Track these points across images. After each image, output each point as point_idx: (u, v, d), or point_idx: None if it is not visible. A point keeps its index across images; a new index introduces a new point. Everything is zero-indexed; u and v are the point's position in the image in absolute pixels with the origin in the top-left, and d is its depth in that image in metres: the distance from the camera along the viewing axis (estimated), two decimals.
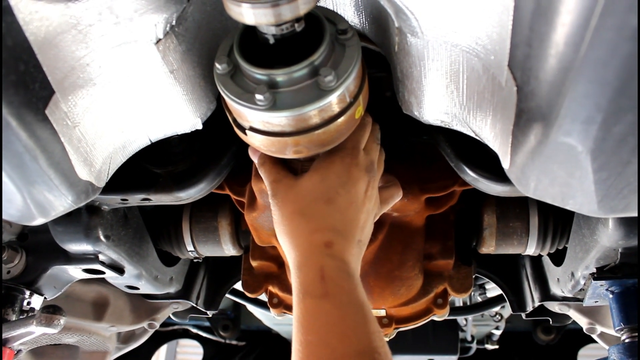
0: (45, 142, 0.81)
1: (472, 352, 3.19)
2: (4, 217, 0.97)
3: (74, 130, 0.87)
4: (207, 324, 3.25)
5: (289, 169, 1.04)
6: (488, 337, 3.24)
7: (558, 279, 1.49)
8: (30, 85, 0.74)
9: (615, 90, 0.58)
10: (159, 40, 0.84)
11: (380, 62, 1.09)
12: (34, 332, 1.25)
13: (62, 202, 0.94)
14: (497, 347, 3.24)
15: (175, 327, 3.10)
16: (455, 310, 2.19)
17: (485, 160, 1.08)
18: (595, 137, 0.65)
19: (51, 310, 1.24)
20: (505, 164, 0.86)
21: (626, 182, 0.72)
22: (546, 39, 0.57)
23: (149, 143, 1.05)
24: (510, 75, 0.69)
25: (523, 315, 1.76)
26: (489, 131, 0.88)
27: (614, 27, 0.51)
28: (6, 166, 0.81)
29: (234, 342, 3.43)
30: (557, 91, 0.61)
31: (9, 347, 1.27)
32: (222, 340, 3.34)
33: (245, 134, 0.89)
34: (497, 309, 2.52)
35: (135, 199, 1.21)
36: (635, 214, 0.81)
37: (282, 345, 3.63)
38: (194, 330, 3.21)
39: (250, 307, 2.44)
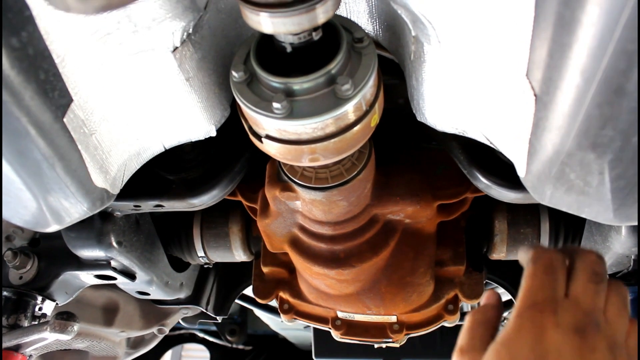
0: (62, 149, 0.81)
1: None
2: (18, 222, 0.98)
3: (91, 138, 0.87)
4: (214, 328, 3.25)
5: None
6: None
7: None
8: (50, 93, 0.75)
9: (635, 101, 0.58)
10: (175, 49, 0.85)
11: (393, 69, 1.09)
12: (47, 339, 1.26)
13: (77, 209, 0.94)
14: None
15: (182, 331, 3.11)
16: (464, 316, 2.19)
17: (497, 167, 1.08)
18: (614, 147, 0.65)
19: (65, 316, 1.24)
20: (521, 172, 0.86)
21: None
22: (567, 50, 0.57)
23: (163, 150, 1.06)
24: (528, 84, 0.70)
25: None
26: (505, 140, 0.88)
27: (637, 39, 0.51)
28: (23, 174, 0.82)
29: (240, 347, 3.44)
30: (577, 101, 0.62)
31: (21, 352, 1.27)
32: (229, 345, 3.35)
33: (261, 141, 0.89)
34: (505, 314, 2.51)
35: (148, 206, 1.22)
36: None
37: (288, 349, 3.63)
38: (201, 335, 3.22)
39: (258, 312, 2.44)
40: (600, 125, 0.63)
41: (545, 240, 1.46)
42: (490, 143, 0.93)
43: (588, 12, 0.52)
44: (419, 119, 1.01)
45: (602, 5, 0.50)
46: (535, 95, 0.69)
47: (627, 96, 0.58)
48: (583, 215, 0.83)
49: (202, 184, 1.20)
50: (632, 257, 1.16)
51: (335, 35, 0.84)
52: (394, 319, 1.56)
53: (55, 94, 0.76)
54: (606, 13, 0.50)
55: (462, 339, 0.86)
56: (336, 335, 1.65)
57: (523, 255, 0.89)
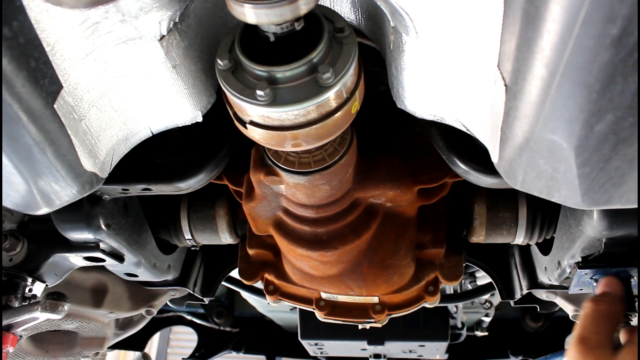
0: (53, 135, 0.84)
1: (462, 338, 3.24)
2: (9, 205, 1.01)
3: (80, 124, 0.90)
4: (201, 310, 3.29)
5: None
6: (478, 324, 3.30)
7: (545, 267, 1.53)
8: (40, 80, 0.77)
9: (596, 93, 0.61)
10: (162, 37, 0.87)
11: (375, 56, 1.12)
12: (38, 318, 1.29)
13: (67, 193, 0.97)
14: (486, 333, 3.30)
15: (170, 313, 3.14)
16: (446, 298, 2.24)
17: (475, 153, 1.11)
18: (579, 135, 0.69)
19: (55, 296, 1.27)
20: (495, 158, 0.90)
21: (608, 177, 0.76)
22: (533, 44, 0.61)
23: (151, 135, 1.08)
24: (499, 75, 0.73)
25: (511, 302, 1.81)
26: (479, 127, 0.91)
27: (595, 36, 0.54)
28: (15, 158, 0.84)
29: (228, 329, 3.48)
30: (543, 92, 0.65)
31: (12, 332, 1.30)
32: (216, 327, 3.38)
33: (246, 127, 0.92)
34: (487, 296, 2.57)
35: (136, 189, 1.24)
36: (617, 207, 0.85)
37: (275, 331, 3.68)
38: (189, 317, 3.26)
39: (245, 294, 2.48)
40: (564, 114, 0.67)
41: (522, 224, 1.50)
42: (467, 130, 0.97)
43: (550, 10, 0.55)
44: (398, 106, 1.05)
45: (562, 3, 0.54)
46: (505, 85, 0.73)
47: (588, 89, 0.62)
48: (553, 200, 0.87)
49: (189, 168, 1.22)
50: (603, 240, 1.21)
51: (317, 24, 0.87)
52: (375, 299, 1.61)
53: (45, 81, 0.78)
54: (566, 11, 0.54)
55: (585, 329, 0.83)
56: (320, 315, 1.69)
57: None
